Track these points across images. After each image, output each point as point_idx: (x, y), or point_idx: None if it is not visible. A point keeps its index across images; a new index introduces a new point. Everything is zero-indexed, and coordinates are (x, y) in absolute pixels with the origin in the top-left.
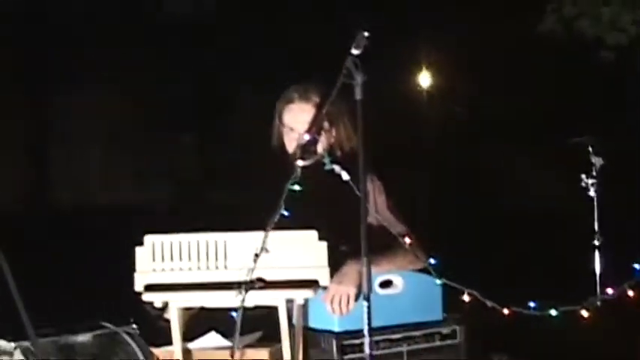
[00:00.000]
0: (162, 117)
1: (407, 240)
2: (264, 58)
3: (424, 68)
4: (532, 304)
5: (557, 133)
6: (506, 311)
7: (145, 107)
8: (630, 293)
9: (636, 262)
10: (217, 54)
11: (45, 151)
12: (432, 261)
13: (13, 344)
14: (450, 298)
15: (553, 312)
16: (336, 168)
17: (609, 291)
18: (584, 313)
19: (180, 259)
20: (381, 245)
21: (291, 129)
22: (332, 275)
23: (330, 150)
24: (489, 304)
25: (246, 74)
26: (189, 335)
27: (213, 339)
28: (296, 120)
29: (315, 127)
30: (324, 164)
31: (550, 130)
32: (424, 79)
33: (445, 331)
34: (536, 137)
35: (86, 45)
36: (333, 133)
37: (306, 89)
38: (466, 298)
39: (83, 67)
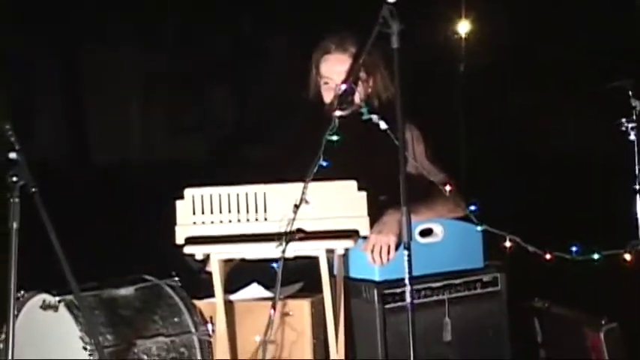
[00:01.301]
0: (198, 71)
1: (447, 187)
2: (299, 8)
3: (461, 15)
4: (574, 248)
5: (597, 77)
6: (548, 256)
7: (183, 61)
8: None
9: None
10: (252, 5)
11: (85, 105)
12: (473, 207)
13: (57, 298)
14: (490, 245)
15: (595, 256)
16: (374, 117)
17: None
18: (627, 257)
19: (221, 211)
20: (421, 194)
21: (328, 79)
22: (372, 225)
23: (368, 100)
24: (531, 249)
25: (282, 24)
26: (230, 287)
27: (254, 290)
28: (333, 70)
29: (352, 77)
30: (361, 114)
31: (589, 73)
32: (461, 26)
33: (486, 278)
34: (575, 81)
35: None
36: (370, 83)
37: (343, 39)
38: (507, 244)
39: (118, 21)
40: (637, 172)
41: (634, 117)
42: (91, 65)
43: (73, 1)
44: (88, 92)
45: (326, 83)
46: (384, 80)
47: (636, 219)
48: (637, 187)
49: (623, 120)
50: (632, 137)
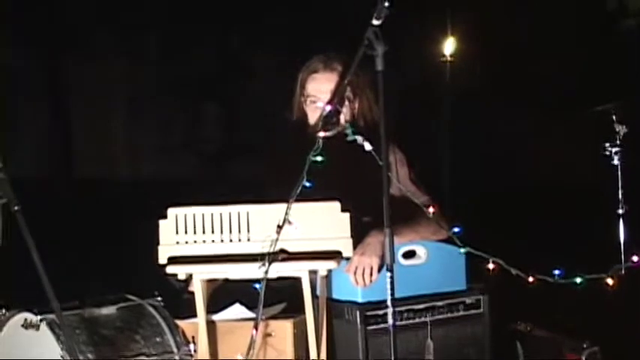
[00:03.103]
0: (185, 88)
1: (430, 209)
2: (287, 28)
3: (445, 36)
4: (557, 272)
5: (580, 101)
6: (530, 279)
7: (169, 78)
8: None
9: None
10: (241, 24)
11: (69, 121)
12: (456, 229)
13: (39, 317)
14: (473, 268)
15: (578, 280)
16: (359, 139)
17: (634, 259)
18: (610, 281)
19: (204, 231)
20: (404, 216)
21: (316, 98)
22: (355, 246)
23: (353, 121)
24: (514, 272)
25: (271, 44)
26: (213, 307)
27: (237, 311)
28: (321, 89)
29: (337, 98)
30: (346, 135)
31: (573, 98)
32: (446, 47)
33: (469, 301)
34: (559, 105)
35: (109, 12)
36: (356, 104)
37: (330, 59)
38: (490, 266)
39: (104, 35)
40: (620, 196)
41: (617, 141)
42: (78, 81)
43: (59, 16)
44: (73, 108)
45: (313, 102)
46: (369, 101)
47: (619, 243)
48: (620, 211)
49: (607, 144)
50: (616, 162)
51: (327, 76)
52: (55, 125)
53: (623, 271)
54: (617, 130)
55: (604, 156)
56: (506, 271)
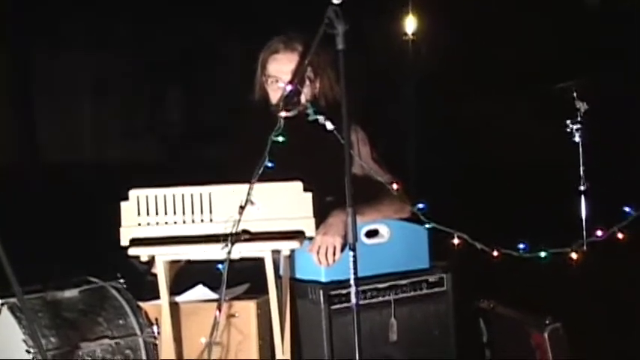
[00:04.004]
0: (147, 71)
1: (394, 186)
2: (250, 9)
3: (404, 16)
4: (521, 246)
5: (542, 79)
6: (495, 253)
7: (131, 61)
8: (620, 236)
9: (625, 205)
10: (205, 6)
11: (31, 105)
12: (421, 206)
13: None
14: (436, 246)
15: (542, 254)
16: (320, 118)
17: (598, 233)
18: (574, 255)
19: (166, 212)
20: (367, 195)
21: (277, 79)
22: (318, 226)
23: (314, 100)
24: (479, 246)
25: (233, 25)
26: (176, 289)
27: (200, 292)
28: (282, 70)
29: (297, 78)
30: (307, 115)
31: (534, 76)
32: (405, 26)
33: (432, 279)
34: (522, 83)
35: None
36: (317, 84)
37: (291, 39)
38: (456, 241)
39: (68, 20)
40: (581, 173)
41: (578, 118)
42: (40, 67)
43: (19, 2)
44: (37, 93)
45: (274, 82)
46: (330, 81)
47: (580, 219)
48: (582, 188)
49: (568, 121)
50: (577, 139)
51: (287, 56)
52: (18, 111)
53: (584, 247)
54: (578, 107)
55: (566, 133)
56: (470, 248)
